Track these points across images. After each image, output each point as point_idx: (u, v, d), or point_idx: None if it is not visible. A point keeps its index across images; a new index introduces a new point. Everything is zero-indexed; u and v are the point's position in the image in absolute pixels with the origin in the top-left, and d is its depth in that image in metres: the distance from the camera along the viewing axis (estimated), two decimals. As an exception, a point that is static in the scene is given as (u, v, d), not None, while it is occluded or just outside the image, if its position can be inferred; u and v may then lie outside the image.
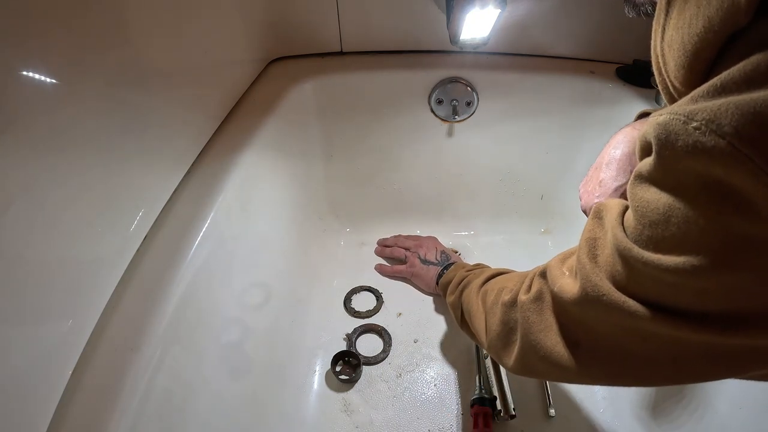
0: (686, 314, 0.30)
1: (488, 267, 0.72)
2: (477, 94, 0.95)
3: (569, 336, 0.40)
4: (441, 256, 0.91)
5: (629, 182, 0.33)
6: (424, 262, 0.91)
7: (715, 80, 0.26)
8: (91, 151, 0.49)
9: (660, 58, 0.32)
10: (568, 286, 0.39)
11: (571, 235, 1.01)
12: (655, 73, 0.34)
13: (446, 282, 0.76)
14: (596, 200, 0.53)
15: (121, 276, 0.55)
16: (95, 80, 0.49)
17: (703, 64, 0.29)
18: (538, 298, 0.44)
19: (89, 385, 0.47)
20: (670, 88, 0.33)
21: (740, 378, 0.34)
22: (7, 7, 0.38)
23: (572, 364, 0.40)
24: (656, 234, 0.30)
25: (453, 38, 0.78)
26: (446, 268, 0.83)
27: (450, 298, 0.69)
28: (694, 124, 0.26)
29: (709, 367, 0.32)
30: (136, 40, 0.56)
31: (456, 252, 0.98)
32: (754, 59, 0.24)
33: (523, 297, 0.46)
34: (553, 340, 0.41)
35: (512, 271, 0.61)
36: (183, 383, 0.55)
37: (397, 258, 1.00)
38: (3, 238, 0.39)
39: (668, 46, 0.31)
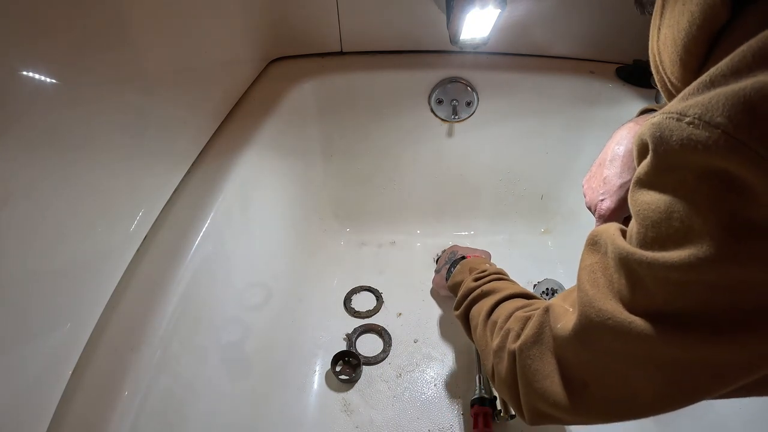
0: (695, 323, 0.29)
1: (494, 270, 0.66)
2: (477, 94, 0.95)
3: (576, 377, 0.38)
4: (449, 255, 0.85)
5: (630, 190, 0.33)
6: (438, 271, 0.87)
7: (704, 77, 0.26)
8: (90, 151, 0.49)
9: (657, 56, 0.33)
10: (571, 322, 0.37)
11: (571, 235, 1.01)
12: (654, 71, 0.35)
13: (453, 285, 0.72)
14: (600, 197, 0.52)
15: (121, 276, 0.55)
16: (95, 80, 0.49)
17: (693, 59, 0.29)
18: (538, 339, 0.41)
19: (89, 385, 0.47)
20: (668, 84, 0.33)
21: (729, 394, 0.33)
22: (7, 7, 0.38)
23: (584, 408, 0.38)
24: (660, 233, 0.30)
25: (453, 38, 0.78)
26: (453, 265, 0.77)
27: (456, 312, 0.64)
28: (688, 119, 0.26)
29: (715, 382, 0.31)
30: (137, 40, 0.56)
31: (471, 248, 0.87)
32: (740, 51, 0.25)
33: (519, 342, 0.43)
34: (559, 386, 0.39)
35: (520, 290, 0.57)
36: (183, 383, 0.55)
37: None
38: (2, 238, 0.39)
39: (663, 44, 0.32)
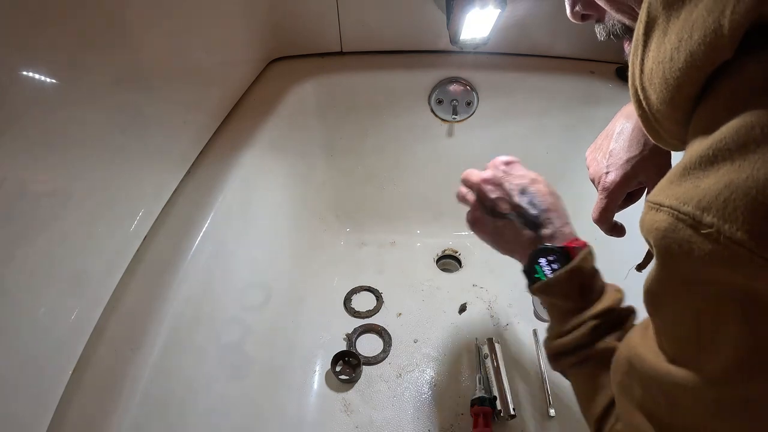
0: None
1: (615, 304, 0.45)
2: (477, 94, 0.95)
3: None
4: (525, 202, 0.51)
5: (645, 300, 0.31)
6: (494, 214, 0.53)
7: (706, 149, 0.24)
8: (91, 151, 0.49)
9: (640, 91, 0.31)
10: None
11: (571, 235, 1.01)
12: (635, 105, 0.32)
13: (548, 295, 0.48)
14: (606, 170, 0.50)
15: (121, 276, 0.55)
16: (95, 80, 0.49)
17: (686, 101, 0.28)
18: None
19: (89, 385, 0.47)
20: (652, 121, 0.32)
21: None
22: (7, 7, 0.38)
23: None
24: (691, 349, 0.28)
25: (453, 38, 0.78)
26: (548, 256, 0.48)
27: (554, 364, 0.48)
28: (705, 230, 0.23)
29: None
30: (137, 40, 0.56)
31: (551, 195, 0.53)
32: (747, 122, 0.23)
33: None
34: None
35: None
36: (183, 383, 0.55)
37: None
38: (3, 238, 0.39)
39: (648, 80, 0.29)
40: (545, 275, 0.48)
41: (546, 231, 0.50)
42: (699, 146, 0.25)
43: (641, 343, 0.34)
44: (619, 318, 0.45)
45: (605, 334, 0.45)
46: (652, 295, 0.30)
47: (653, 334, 0.33)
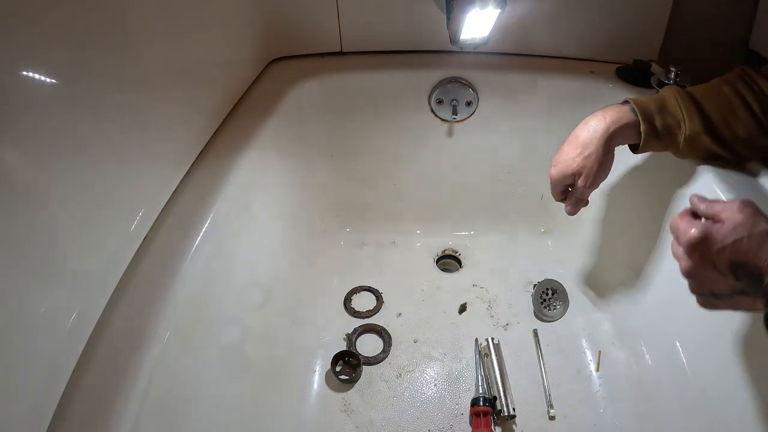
0: None
1: None
2: (477, 94, 0.95)
3: None
4: (744, 279, 0.42)
5: None
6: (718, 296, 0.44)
7: None
8: (90, 150, 0.49)
9: None
10: None
11: (571, 235, 1.01)
12: None
13: None
14: (552, 170, 0.69)
15: (121, 276, 0.55)
16: (95, 80, 0.50)
17: None
18: None
19: (89, 385, 0.47)
20: None
21: None
22: (7, 7, 0.38)
23: None
24: None
25: (453, 38, 0.78)
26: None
27: None
28: None
29: None
30: (137, 40, 0.56)
31: None
32: None
33: None
34: None
35: None
36: (183, 383, 0.55)
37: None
38: (2, 239, 0.39)
39: None
40: None
41: None
42: None
43: None
44: None
45: None
46: None
47: None
